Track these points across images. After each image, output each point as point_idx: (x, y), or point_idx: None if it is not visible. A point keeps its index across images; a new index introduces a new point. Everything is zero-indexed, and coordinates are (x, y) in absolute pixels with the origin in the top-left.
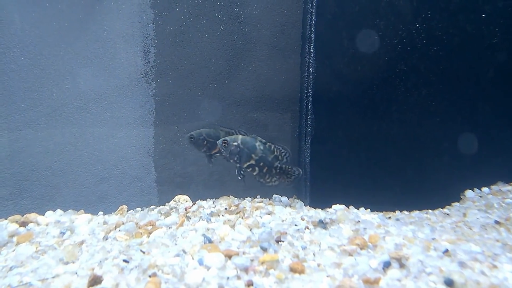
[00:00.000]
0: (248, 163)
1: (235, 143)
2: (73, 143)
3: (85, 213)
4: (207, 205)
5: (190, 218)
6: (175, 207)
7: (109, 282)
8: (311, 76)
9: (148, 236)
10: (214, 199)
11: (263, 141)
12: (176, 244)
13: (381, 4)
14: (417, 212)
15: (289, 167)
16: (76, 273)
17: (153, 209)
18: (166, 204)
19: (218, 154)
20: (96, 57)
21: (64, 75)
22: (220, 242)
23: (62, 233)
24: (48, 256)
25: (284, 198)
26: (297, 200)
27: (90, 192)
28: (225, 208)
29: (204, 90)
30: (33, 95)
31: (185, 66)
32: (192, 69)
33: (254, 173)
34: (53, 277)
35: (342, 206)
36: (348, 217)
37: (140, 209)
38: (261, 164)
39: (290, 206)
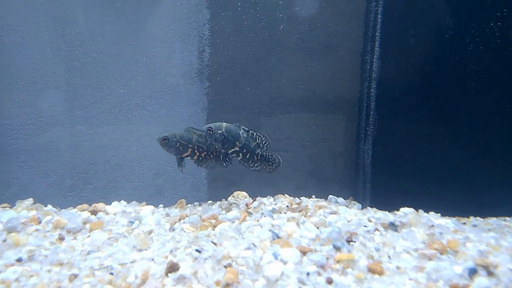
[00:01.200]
0: (232, 150)
1: (220, 131)
2: (130, 138)
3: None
4: (267, 202)
5: (252, 214)
6: (235, 203)
7: (187, 270)
8: (374, 76)
9: (213, 229)
10: (274, 197)
11: (246, 129)
12: (243, 238)
13: (452, 2)
14: (494, 219)
15: (270, 154)
16: (153, 259)
17: (213, 204)
18: (223, 200)
19: (189, 158)
20: (154, 56)
21: (123, 73)
22: (288, 238)
23: (131, 222)
24: (121, 243)
25: (341, 199)
26: (354, 202)
27: (145, 186)
28: (287, 206)
29: (256, 89)
30: (94, 92)
31: (238, 66)
32: (244, 69)
33: (239, 158)
34: (132, 262)
35: (411, 209)
36: (420, 220)
37: (198, 203)
38: (244, 150)
39: (347, 208)
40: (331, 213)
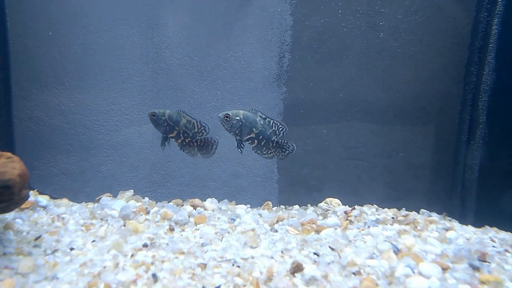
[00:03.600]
0: (248, 136)
1: (238, 117)
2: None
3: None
4: (369, 211)
5: (353, 223)
6: (328, 209)
7: (315, 272)
8: (486, 88)
9: (317, 234)
10: (376, 206)
11: (263, 116)
12: (357, 246)
13: None
14: None
15: (285, 141)
16: (272, 257)
17: (306, 208)
18: (308, 205)
19: (174, 139)
20: (235, 60)
21: (205, 75)
22: (408, 251)
23: (233, 220)
24: (231, 238)
25: (434, 214)
26: (449, 218)
27: (220, 186)
28: (392, 217)
29: (333, 96)
30: (177, 93)
31: (317, 72)
32: (323, 75)
33: (253, 145)
34: (252, 258)
35: None
36: None
37: (284, 206)
38: (260, 137)
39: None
40: (446, 229)
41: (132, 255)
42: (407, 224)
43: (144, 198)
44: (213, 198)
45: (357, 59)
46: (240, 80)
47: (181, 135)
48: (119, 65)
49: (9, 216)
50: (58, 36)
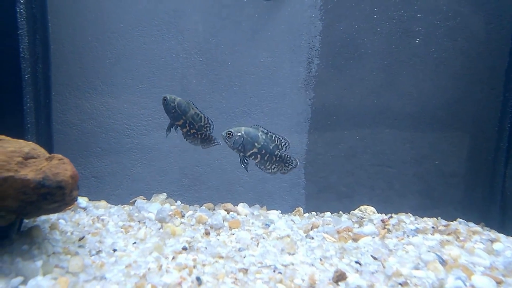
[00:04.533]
0: (251, 151)
1: (239, 134)
2: None
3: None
4: (408, 220)
5: (391, 231)
6: (363, 217)
7: (359, 281)
8: None
9: (355, 242)
10: (411, 215)
11: (265, 131)
12: (398, 256)
13: None
14: None
15: (288, 156)
16: (313, 265)
17: (340, 216)
18: (340, 212)
19: (179, 128)
20: (264, 66)
21: (233, 80)
22: (454, 263)
23: (267, 225)
24: (267, 244)
25: (471, 224)
26: (488, 228)
27: (246, 191)
28: (432, 227)
29: (361, 102)
30: (205, 98)
31: (345, 78)
32: (352, 81)
33: (256, 161)
34: (292, 265)
35: None
36: None
37: (315, 213)
38: (263, 152)
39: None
40: (491, 240)
41: (173, 258)
42: (449, 234)
43: (176, 202)
44: (244, 203)
45: (387, 64)
46: (268, 85)
47: (187, 125)
48: (150, 70)
49: (53, 216)
50: (92, 41)
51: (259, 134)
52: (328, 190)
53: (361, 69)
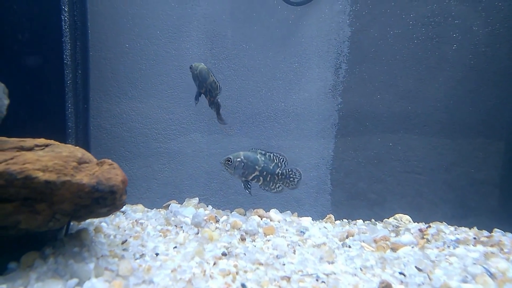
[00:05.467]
0: (253, 175)
1: (239, 159)
2: (261, 149)
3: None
4: (447, 230)
5: (430, 241)
6: (399, 226)
7: None
8: None
9: (394, 252)
10: (455, 226)
11: (263, 152)
12: (443, 267)
13: None
14: None
15: (289, 170)
16: (356, 274)
17: (374, 224)
18: (372, 220)
19: (202, 94)
20: (291, 71)
21: (260, 86)
22: (503, 276)
23: (302, 232)
24: (305, 252)
25: (510, 235)
26: None
27: (274, 196)
28: (474, 238)
29: (390, 108)
30: (232, 103)
31: (374, 83)
32: (380, 87)
33: (259, 183)
34: (334, 274)
35: None
36: None
37: (347, 220)
38: (265, 173)
39: None
40: None
41: (214, 263)
42: (492, 246)
43: (208, 206)
44: (275, 209)
45: (415, 70)
46: (295, 90)
47: (208, 93)
48: (179, 76)
49: (96, 219)
50: (121, 47)
51: (258, 156)
52: (357, 197)
53: (389, 74)
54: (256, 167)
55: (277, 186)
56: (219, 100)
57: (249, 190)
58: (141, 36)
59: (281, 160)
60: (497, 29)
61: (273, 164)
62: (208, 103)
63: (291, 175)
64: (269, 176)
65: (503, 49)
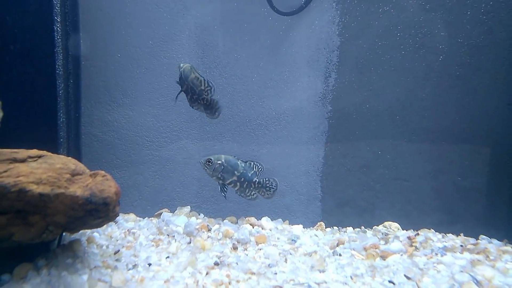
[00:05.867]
0: (230, 180)
1: (219, 162)
2: (252, 156)
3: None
4: (435, 237)
5: (419, 249)
6: (388, 233)
7: None
8: None
9: (384, 260)
10: (442, 233)
11: (244, 160)
12: (431, 275)
13: None
14: None
15: (267, 179)
16: (346, 283)
17: (364, 232)
18: (362, 227)
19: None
20: (282, 80)
21: (251, 94)
22: (488, 284)
23: (293, 241)
24: (296, 260)
25: (496, 241)
26: (511, 245)
27: (265, 203)
28: (461, 245)
29: (378, 116)
30: (223, 111)
31: (363, 92)
32: (369, 95)
33: (236, 188)
34: (326, 283)
35: None
36: None
37: (337, 228)
38: (242, 179)
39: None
40: None
41: (207, 273)
42: (478, 253)
43: (199, 214)
44: (267, 217)
45: (402, 80)
46: (286, 98)
47: (189, 90)
48: (170, 84)
49: (88, 230)
50: (113, 56)
51: (238, 162)
52: (347, 204)
53: (378, 83)
54: (235, 172)
55: (252, 194)
56: (212, 98)
57: (224, 193)
58: (132, 45)
59: (260, 169)
60: (481, 42)
61: (252, 172)
62: (189, 102)
63: (268, 185)
64: (246, 183)
65: (487, 60)
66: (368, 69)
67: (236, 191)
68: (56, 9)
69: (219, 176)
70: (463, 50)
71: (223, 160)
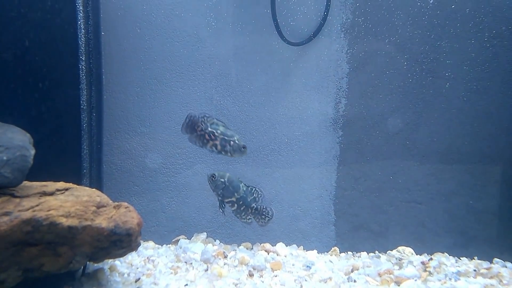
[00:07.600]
0: (229, 199)
1: (222, 180)
2: (265, 181)
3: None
4: (449, 262)
5: (432, 274)
6: (401, 258)
7: None
8: None
9: (397, 285)
10: (456, 257)
11: (247, 184)
12: None
13: None
14: None
15: (264, 207)
16: None
17: (378, 257)
18: (376, 252)
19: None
20: (293, 106)
21: (264, 121)
22: None
23: (308, 267)
24: (313, 287)
25: (509, 264)
26: None
27: (278, 228)
28: (474, 270)
29: (388, 140)
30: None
31: (372, 117)
32: (378, 120)
33: (233, 209)
34: None
35: None
36: None
37: (351, 253)
38: (241, 202)
39: None
40: None
41: None
42: (491, 277)
43: (215, 241)
44: (281, 243)
45: (411, 104)
46: (297, 124)
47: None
48: (185, 113)
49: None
50: (132, 86)
51: (241, 185)
52: (361, 227)
53: (387, 109)
54: (235, 194)
55: (247, 218)
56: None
57: (222, 210)
58: (151, 77)
59: (260, 195)
60: (487, 68)
61: (251, 197)
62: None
63: (264, 213)
64: (244, 206)
65: (493, 85)
66: (377, 95)
67: (233, 211)
68: (81, 49)
69: (219, 193)
70: (469, 77)
71: (226, 179)
